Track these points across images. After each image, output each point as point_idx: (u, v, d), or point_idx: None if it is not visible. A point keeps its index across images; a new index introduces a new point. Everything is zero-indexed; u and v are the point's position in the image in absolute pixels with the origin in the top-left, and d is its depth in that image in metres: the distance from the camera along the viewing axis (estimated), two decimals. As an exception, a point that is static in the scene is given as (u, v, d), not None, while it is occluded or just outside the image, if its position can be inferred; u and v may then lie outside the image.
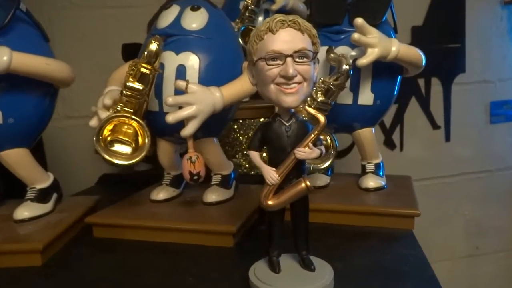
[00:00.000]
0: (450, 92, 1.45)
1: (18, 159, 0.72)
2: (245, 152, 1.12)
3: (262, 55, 0.46)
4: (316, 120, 0.47)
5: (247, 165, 1.11)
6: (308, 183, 0.48)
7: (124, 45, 1.15)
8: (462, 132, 1.47)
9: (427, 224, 1.41)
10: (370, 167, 0.82)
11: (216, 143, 0.78)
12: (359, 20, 0.67)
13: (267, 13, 1.09)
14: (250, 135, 1.12)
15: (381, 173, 0.82)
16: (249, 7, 1.05)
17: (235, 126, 1.11)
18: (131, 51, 1.01)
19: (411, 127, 1.46)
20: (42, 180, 0.75)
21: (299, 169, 0.49)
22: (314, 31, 0.48)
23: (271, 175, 0.48)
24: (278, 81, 0.46)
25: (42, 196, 0.74)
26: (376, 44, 0.68)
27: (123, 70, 0.70)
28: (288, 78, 0.46)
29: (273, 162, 0.49)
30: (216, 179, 0.79)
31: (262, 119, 1.09)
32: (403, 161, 1.45)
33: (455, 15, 1.42)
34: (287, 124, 0.49)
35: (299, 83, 0.47)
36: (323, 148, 0.49)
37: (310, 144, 0.47)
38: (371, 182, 0.79)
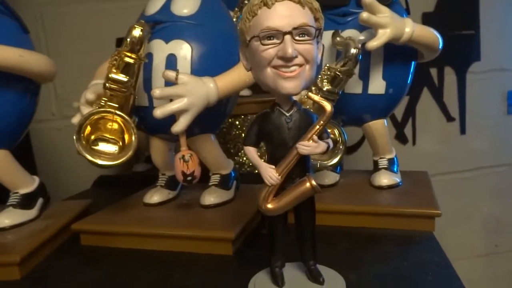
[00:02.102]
0: (465, 82, 1.38)
1: (-2, 161, 0.66)
2: (248, 150, 1.05)
3: (256, 33, 0.40)
4: (322, 108, 0.40)
5: (250, 164, 1.05)
6: (313, 182, 0.41)
7: (119, 40, 1.08)
8: (478, 124, 1.40)
9: (442, 221, 1.33)
10: (383, 162, 0.75)
11: (213, 140, 0.71)
12: (368, -2, 0.60)
13: (267, 1, 1.02)
14: (252, 131, 1.05)
15: (395, 169, 0.75)
16: (249, -5, 0.98)
17: (237, 122, 1.05)
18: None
19: (424, 120, 1.39)
20: (25, 184, 0.69)
21: (303, 166, 0.42)
22: (316, 4, 0.41)
23: (270, 174, 0.41)
24: (276, 63, 0.40)
25: (26, 201, 0.68)
26: (388, 24, 0.61)
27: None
28: (287, 60, 0.39)
29: (272, 158, 0.43)
30: (214, 179, 0.72)
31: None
32: (416, 156, 1.38)
33: (468, 0, 1.34)
34: (287, 115, 0.42)
35: (300, 65, 0.40)
36: (330, 141, 0.42)
37: (315, 137, 0.41)
38: (385, 179, 0.72)
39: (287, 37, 0.39)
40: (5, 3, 0.64)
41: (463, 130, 1.41)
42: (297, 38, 0.39)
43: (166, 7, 0.65)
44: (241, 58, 0.44)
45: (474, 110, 1.39)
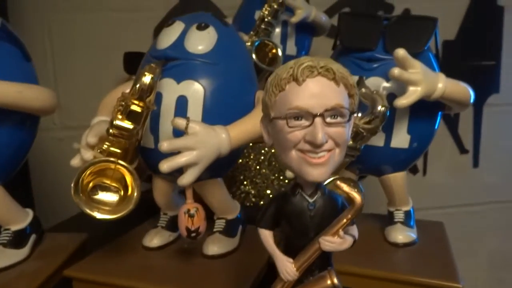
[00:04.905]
0: (481, 114, 1.34)
1: (-11, 197, 0.62)
2: (254, 180, 1.00)
3: (283, 112, 0.35)
4: (351, 201, 0.36)
5: (256, 194, 1.00)
6: (335, 280, 0.36)
7: (126, 54, 1.03)
8: (492, 158, 1.36)
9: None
10: (399, 215, 0.70)
11: (221, 184, 0.66)
12: (401, 52, 0.55)
13: (285, 26, 0.97)
14: (261, 160, 1.00)
15: (411, 223, 0.71)
16: (265, 19, 0.92)
17: (245, 150, 1.00)
18: (133, 61, 0.90)
19: (436, 150, 1.34)
20: (18, 220, 0.65)
21: (325, 258, 0.38)
22: (351, 80, 0.36)
23: (288, 269, 0.36)
24: (302, 147, 0.35)
25: (17, 239, 0.64)
26: (419, 81, 0.56)
27: (116, 94, 0.59)
28: (316, 146, 0.34)
29: (290, 247, 0.38)
30: (219, 224, 0.68)
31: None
32: (426, 186, 1.34)
33: (491, 30, 1.30)
34: (310, 201, 0.37)
35: (329, 150, 0.35)
36: (355, 231, 0.38)
37: (341, 232, 0.36)
38: (400, 235, 0.68)
39: (318, 120, 0.34)
40: (6, 28, 0.60)
41: (476, 163, 1.36)
42: (328, 120, 0.35)
43: (180, 42, 0.60)
44: (262, 130, 0.39)
45: (488, 143, 1.35)
